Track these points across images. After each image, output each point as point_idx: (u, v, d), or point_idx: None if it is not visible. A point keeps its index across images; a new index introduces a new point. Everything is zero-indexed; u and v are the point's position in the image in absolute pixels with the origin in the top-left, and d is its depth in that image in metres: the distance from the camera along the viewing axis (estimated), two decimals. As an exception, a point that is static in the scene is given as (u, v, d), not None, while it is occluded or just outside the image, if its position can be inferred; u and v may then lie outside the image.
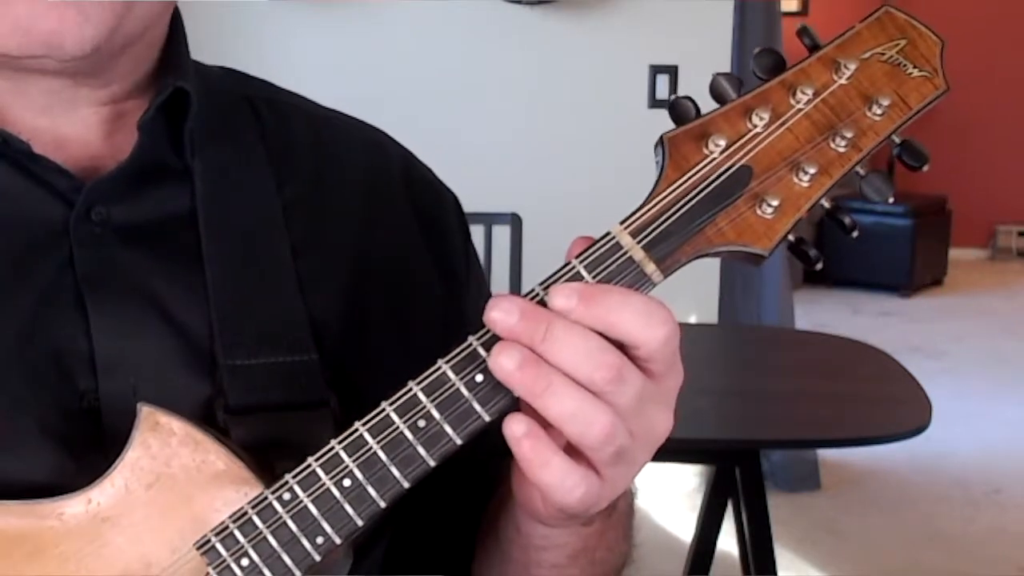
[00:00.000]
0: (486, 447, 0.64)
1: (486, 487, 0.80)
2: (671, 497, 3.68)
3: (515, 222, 2.86)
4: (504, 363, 0.60)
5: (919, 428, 2.16)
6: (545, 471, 0.61)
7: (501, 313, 0.60)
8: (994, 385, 4.98)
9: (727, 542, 2.86)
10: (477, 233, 2.80)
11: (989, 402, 4.76)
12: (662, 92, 3.31)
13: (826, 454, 3.97)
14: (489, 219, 2.84)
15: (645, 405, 0.62)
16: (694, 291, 3.49)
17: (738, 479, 2.62)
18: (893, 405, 2.38)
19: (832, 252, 6.64)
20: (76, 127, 0.74)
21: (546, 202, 3.18)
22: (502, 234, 2.85)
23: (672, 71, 3.31)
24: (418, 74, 3.42)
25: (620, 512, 0.74)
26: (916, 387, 2.35)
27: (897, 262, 6.46)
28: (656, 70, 3.31)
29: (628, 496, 0.76)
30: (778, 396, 2.48)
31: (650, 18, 3.40)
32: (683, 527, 3.29)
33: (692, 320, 3.51)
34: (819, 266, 0.68)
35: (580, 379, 0.60)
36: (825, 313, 5.96)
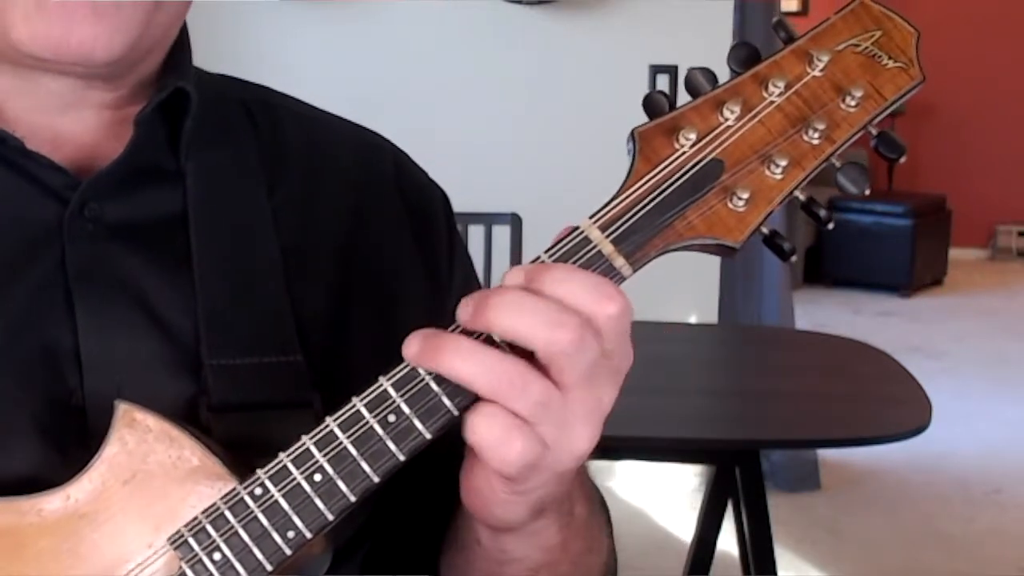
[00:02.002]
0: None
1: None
2: (671, 497, 3.68)
3: (515, 222, 2.87)
4: (408, 351, 0.61)
5: (919, 428, 2.16)
6: (488, 429, 0.61)
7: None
8: (994, 385, 4.98)
9: (727, 542, 2.86)
10: (477, 233, 2.81)
11: (989, 402, 4.76)
12: (662, 92, 3.31)
13: (826, 454, 3.96)
14: (489, 219, 2.84)
15: (598, 374, 0.61)
16: (694, 291, 3.50)
17: (738, 479, 2.62)
18: (893, 405, 2.38)
19: (832, 252, 6.68)
20: (75, 127, 0.75)
21: (546, 202, 3.18)
22: (502, 234, 2.85)
23: (672, 71, 3.31)
24: (418, 74, 3.43)
25: (579, 520, 0.73)
26: (916, 387, 2.35)
27: (897, 262, 6.46)
28: (656, 70, 3.31)
29: (587, 502, 0.75)
30: (778, 396, 2.48)
31: (650, 18, 3.40)
32: (683, 527, 3.29)
33: (692, 320, 3.51)
34: (793, 259, 0.68)
35: (538, 343, 0.59)
36: (825, 313, 5.95)
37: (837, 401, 2.42)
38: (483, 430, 0.61)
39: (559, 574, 0.73)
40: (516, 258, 2.85)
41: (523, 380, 0.60)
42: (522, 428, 0.61)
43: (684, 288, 3.40)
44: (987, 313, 6.22)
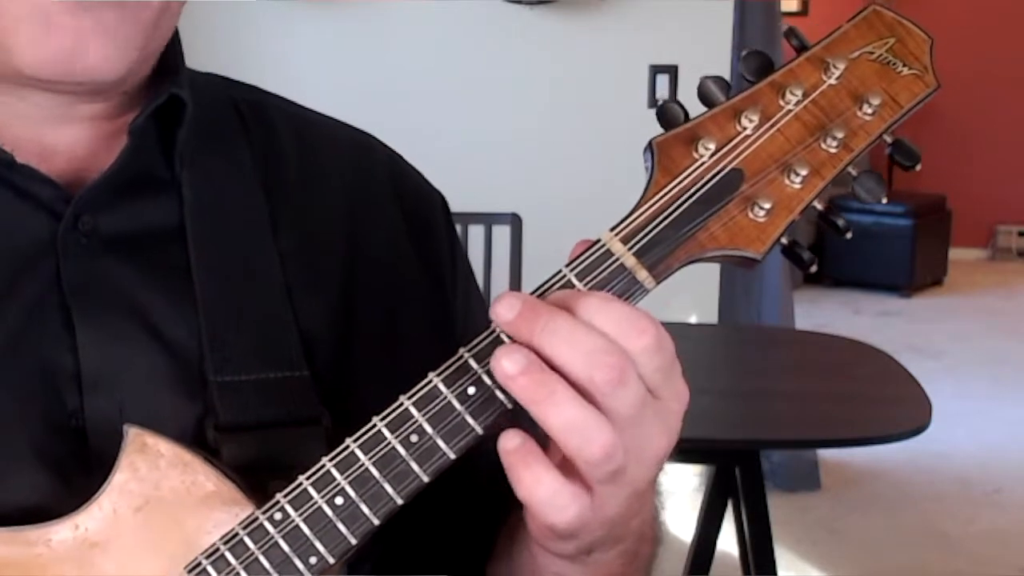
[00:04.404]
0: (491, 462, 0.62)
1: (494, 504, 0.77)
2: (671, 497, 3.68)
3: (515, 222, 2.86)
4: (506, 366, 0.58)
5: (919, 428, 2.16)
6: (537, 488, 0.59)
7: (503, 308, 0.59)
8: (994, 385, 4.98)
9: (727, 542, 2.86)
10: (477, 233, 2.81)
11: (989, 402, 4.76)
12: (662, 92, 3.31)
13: (826, 454, 3.96)
14: (489, 219, 2.83)
15: (644, 416, 0.60)
16: (694, 291, 3.49)
17: (738, 479, 2.62)
18: (893, 405, 2.38)
19: (832, 252, 6.66)
20: (65, 139, 0.73)
21: (546, 202, 3.18)
22: (502, 234, 2.85)
23: (672, 71, 3.31)
24: (418, 74, 3.42)
25: (642, 559, 0.72)
26: (916, 387, 2.35)
27: (897, 262, 6.45)
28: (656, 70, 3.31)
29: (651, 544, 0.73)
30: (778, 396, 2.48)
31: (650, 18, 3.39)
32: (683, 527, 3.29)
33: (692, 320, 3.50)
34: (813, 268, 0.67)
35: (579, 379, 0.58)
36: (825, 313, 5.95)
37: (837, 401, 2.42)
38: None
39: None
40: (516, 258, 2.84)
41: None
42: (610, 424, 0.58)
43: (684, 288, 3.39)
44: (987, 313, 6.22)
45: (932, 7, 6.29)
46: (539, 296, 0.62)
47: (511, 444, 0.59)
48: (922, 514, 3.77)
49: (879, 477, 4.00)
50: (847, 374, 2.61)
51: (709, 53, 3.28)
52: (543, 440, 0.60)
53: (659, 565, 0.77)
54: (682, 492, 3.72)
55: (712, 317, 3.58)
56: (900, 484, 3.97)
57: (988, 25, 7.12)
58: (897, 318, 6.10)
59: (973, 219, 7.18)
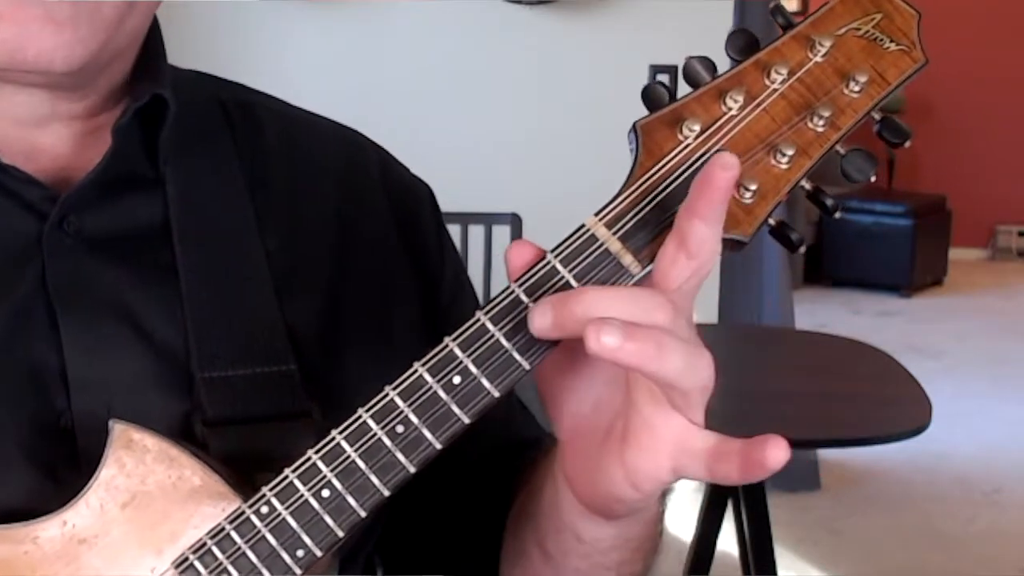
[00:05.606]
0: (483, 447, 0.62)
1: (493, 490, 0.78)
2: (671, 497, 3.68)
3: (515, 222, 2.86)
4: (607, 341, 0.56)
5: (919, 428, 2.16)
6: (693, 430, 0.61)
7: (538, 318, 0.59)
8: (994, 385, 4.98)
9: (727, 542, 2.86)
10: (477, 233, 2.81)
11: (989, 402, 4.75)
12: (662, 92, 3.31)
13: (826, 454, 3.96)
14: (489, 219, 2.83)
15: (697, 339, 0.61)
16: (694, 291, 3.49)
17: (738, 479, 2.62)
18: (893, 405, 2.38)
19: (832, 252, 6.67)
20: (49, 138, 0.73)
21: (546, 202, 3.17)
22: (502, 234, 2.84)
23: (672, 71, 3.29)
24: (418, 74, 3.43)
25: (646, 559, 0.74)
26: (916, 387, 2.35)
27: (897, 262, 6.45)
28: (656, 70, 3.30)
29: (654, 550, 0.75)
30: (778, 396, 2.48)
31: (650, 18, 3.40)
32: (683, 527, 3.29)
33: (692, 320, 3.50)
34: (802, 249, 0.66)
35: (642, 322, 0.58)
36: (825, 313, 5.94)
37: (837, 401, 2.42)
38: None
39: (650, 548, 0.73)
40: (516, 258, 2.84)
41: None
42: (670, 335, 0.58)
43: (684, 288, 3.39)
44: (987, 313, 6.21)
45: (931, 6, 6.28)
46: (526, 284, 0.61)
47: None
48: (922, 514, 3.77)
49: (879, 477, 4.00)
50: (847, 374, 2.61)
51: (709, 53, 3.26)
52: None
53: (659, 565, 0.77)
54: (682, 492, 3.72)
55: (712, 317, 3.58)
56: (900, 484, 3.97)
57: (989, 25, 7.12)
58: (897, 318, 6.10)
59: (973, 219, 7.17)
